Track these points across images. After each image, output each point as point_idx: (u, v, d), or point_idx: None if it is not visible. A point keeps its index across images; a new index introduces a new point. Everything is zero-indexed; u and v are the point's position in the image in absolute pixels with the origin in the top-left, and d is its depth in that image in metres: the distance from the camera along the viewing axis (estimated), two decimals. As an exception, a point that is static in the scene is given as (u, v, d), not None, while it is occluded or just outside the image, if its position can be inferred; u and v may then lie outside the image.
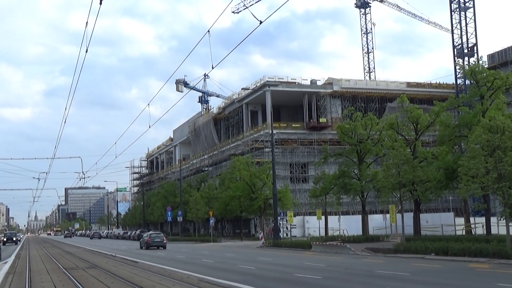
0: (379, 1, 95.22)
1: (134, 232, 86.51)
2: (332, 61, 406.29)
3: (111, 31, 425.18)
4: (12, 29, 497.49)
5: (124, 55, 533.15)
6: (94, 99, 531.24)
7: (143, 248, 47.16)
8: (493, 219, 36.76)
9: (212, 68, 20.06)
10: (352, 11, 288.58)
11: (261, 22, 15.58)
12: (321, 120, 71.26)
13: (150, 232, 53.45)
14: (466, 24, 62.25)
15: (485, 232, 34.98)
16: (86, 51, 22.62)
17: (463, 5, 62.09)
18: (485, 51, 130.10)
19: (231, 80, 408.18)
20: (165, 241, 47.58)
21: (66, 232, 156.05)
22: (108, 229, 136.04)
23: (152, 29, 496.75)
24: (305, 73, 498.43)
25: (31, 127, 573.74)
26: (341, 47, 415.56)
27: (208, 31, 18.85)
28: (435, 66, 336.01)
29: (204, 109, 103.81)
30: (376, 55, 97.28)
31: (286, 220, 51.01)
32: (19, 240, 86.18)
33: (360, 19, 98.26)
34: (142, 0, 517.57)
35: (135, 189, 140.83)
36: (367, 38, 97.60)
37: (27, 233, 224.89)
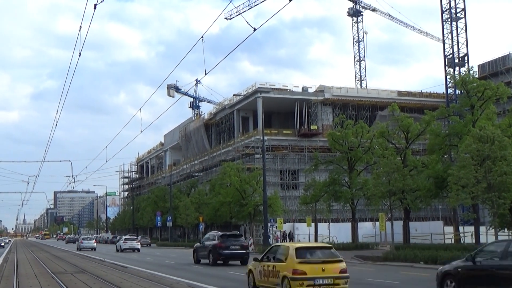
0: (372, 10, 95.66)
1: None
2: (320, 69, 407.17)
3: (99, 35, 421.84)
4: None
5: (112, 60, 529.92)
6: (81, 103, 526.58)
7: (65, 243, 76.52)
8: (482, 228, 36.96)
9: (205, 74, 20.07)
10: (339, 20, 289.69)
11: (255, 29, 15.60)
12: (312, 127, 71.41)
13: (82, 237, 73.78)
14: (458, 34, 62.78)
15: (474, 241, 35.14)
16: (79, 55, 22.55)
17: (454, 16, 62.61)
18: (475, 61, 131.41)
19: (219, 86, 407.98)
20: (95, 244, 60.88)
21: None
22: (97, 234, 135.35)
23: (139, 34, 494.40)
24: (293, 80, 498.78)
25: (18, 130, 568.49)
26: (329, 55, 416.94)
27: (202, 37, 18.88)
28: (422, 76, 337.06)
29: (195, 115, 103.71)
30: (363, 63, 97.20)
31: (276, 227, 51.00)
32: (2, 247, 75.54)
33: (352, 27, 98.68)
34: (129, 5, 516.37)
35: (125, 193, 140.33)
36: (358, 47, 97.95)
37: (15, 237, 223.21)
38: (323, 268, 14.05)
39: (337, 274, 14.13)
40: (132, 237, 59.31)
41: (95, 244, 60.25)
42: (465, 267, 13.36)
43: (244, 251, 29.18)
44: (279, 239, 53.94)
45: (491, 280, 12.35)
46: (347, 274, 14.43)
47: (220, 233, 31.71)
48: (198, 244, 32.15)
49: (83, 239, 63.56)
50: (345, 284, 14.24)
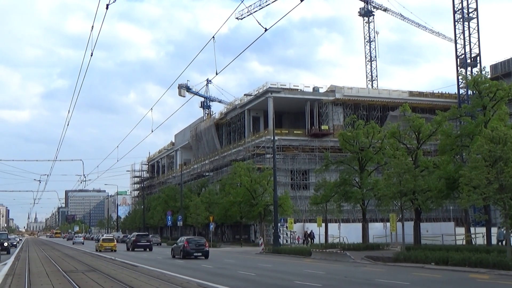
0: (383, 10, 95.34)
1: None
2: (330, 69, 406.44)
3: (108, 35, 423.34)
4: (9, 31, 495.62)
5: (121, 59, 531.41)
6: (91, 103, 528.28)
7: (66, 240, 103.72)
8: (494, 230, 36.72)
9: (216, 74, 20.08)
10: (348, 20, 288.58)
11: (266, 30, 15.61)
12: (323, 127, 71.27)
13: (74, 235, 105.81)
14: (470, 34, 62.41)
15: (485, 243, 34.92)
16: (91, 55, 22.66)
17: (466, 16, 62.25)
18: (488, 61, 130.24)
19: (228, 86, 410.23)
20: (83, 239, 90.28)
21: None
22: (107, 233, 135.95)
23: (149, 34, 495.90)
24: (303, 80, 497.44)
25: (29, 129, 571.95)
26: (338, 56, 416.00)
27: (213, 37, 18.90)
28: (432, 76, 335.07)
29: (206, 114, 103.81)
30: (374, 64, 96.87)
31: (286, 227, 51.01)
32: (15, 246, 68.28)
33: (364, 27, 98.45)
34: (138, 5, 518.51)
35: (136, 193, 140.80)
36: (370, 47, 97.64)
37: (26, 235, 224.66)
38: (109, 244, 51.04)
39: (113, 245, 50.96)
40: (109, 236, 77.62)
41: (83, 239, 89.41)
42: (175, 246, 38.86)
43: (149, 243, 53.05)
44: (300, 240, 55.12)
45: (178, 249, 37.14)
46: (116, 245, 52.57)
47: (136, 233, 59.51)
48: (127, 239, 59.38)
49: (75, 236, 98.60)
50: (115, 247, 50.79)
